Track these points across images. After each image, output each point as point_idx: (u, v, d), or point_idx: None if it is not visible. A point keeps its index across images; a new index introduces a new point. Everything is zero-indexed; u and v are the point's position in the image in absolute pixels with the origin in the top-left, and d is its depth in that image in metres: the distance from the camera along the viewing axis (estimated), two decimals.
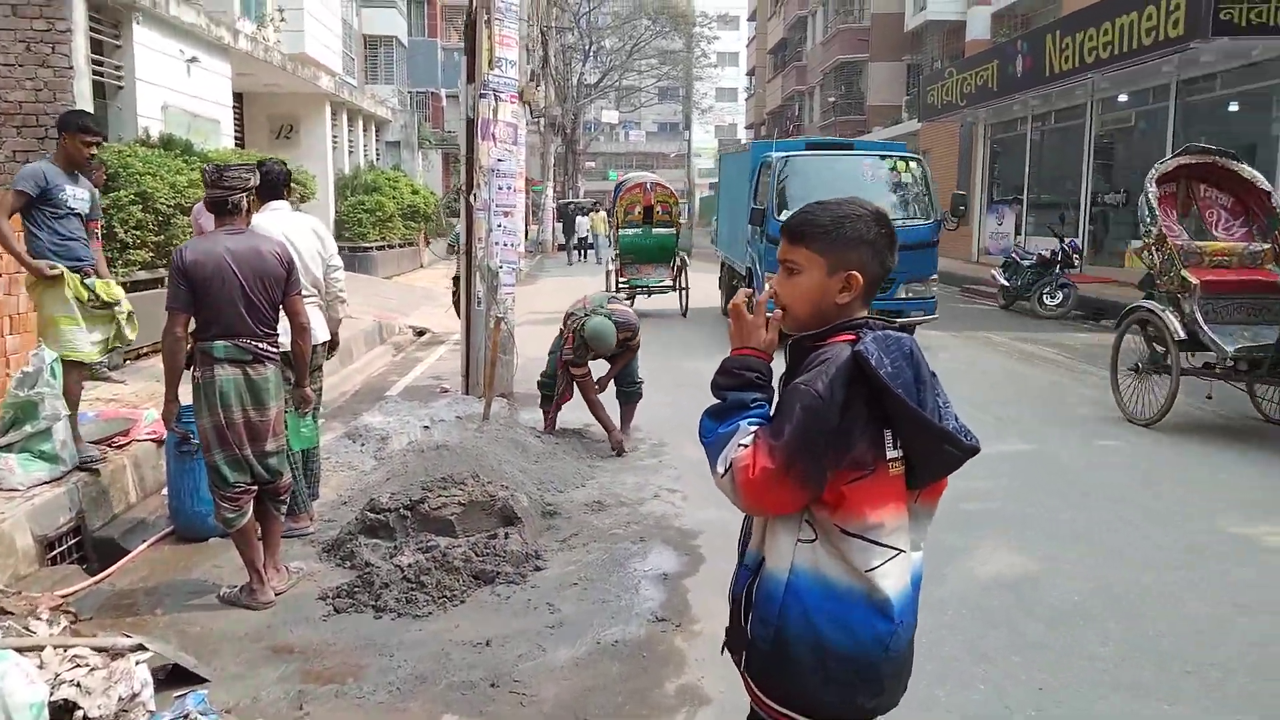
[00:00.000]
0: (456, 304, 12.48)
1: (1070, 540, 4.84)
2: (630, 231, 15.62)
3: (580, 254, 29.85)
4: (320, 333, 5.06)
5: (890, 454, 1.71)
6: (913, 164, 11.58)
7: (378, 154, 23.25)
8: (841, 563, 1.72)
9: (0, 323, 6.34)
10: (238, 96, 17.12)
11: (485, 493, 4.80)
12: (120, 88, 10.35)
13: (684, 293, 14.88)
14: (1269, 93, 13.60)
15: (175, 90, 11.36)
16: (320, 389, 5.26)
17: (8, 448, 4.83)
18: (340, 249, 16.40)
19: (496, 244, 7.61)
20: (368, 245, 18.23)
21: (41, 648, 3.19)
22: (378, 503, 4.78)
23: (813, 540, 1.73)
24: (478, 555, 4.42)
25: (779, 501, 1.71)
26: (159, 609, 4.14)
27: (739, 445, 1.71)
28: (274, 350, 4.12)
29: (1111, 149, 18.69)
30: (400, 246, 19.68)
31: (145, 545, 4.91)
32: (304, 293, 4.90)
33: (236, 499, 4.07)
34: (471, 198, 7.76)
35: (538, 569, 4.45)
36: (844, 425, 1.66)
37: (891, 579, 1.72)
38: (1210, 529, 4.99)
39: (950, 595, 4.14)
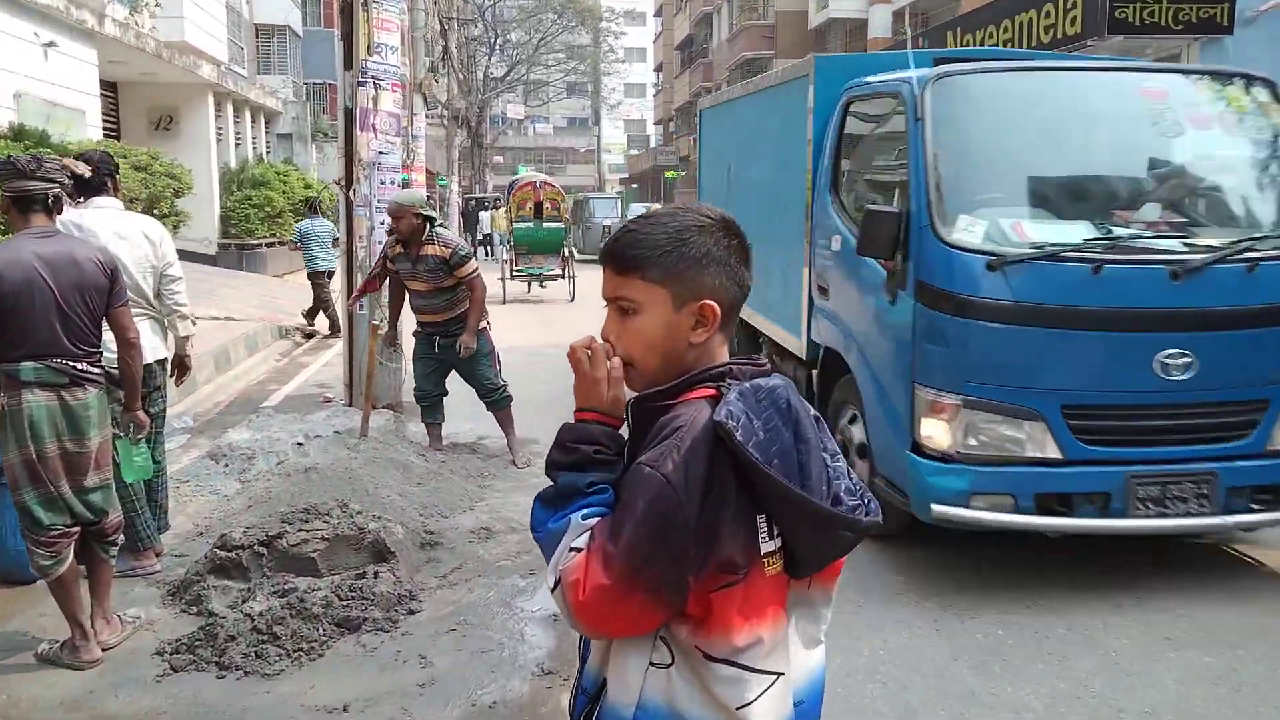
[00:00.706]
0: (311, 311, 12.38)
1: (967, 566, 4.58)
2: (523, 225, 17.23)
3: (487, 250, 28.41)
4: (154, 350, 4.46)
5: (766, 547, 1.31)
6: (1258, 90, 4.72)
7: (268, 147, 22.19)
8: (705, 696, 1.30)
9: None
10: (111, 85, 16.04)
11: (354, 525, 4.29)
12: None
13: (572, 280, 16.63)
14: None
15: (31, 77, 10.42)
16: (162, 411, 4.66)
17: None
18: (227, 246, 15.49)
19: (379, 243, 7.06)
20: (256, 242, 17.30)
21: None
22: (229, 538, 4.22)
23: (668, 665, 1.32)
24: (341, 599, 3.91)
25: (624, 625, 1.30)
26: None
27: (569, 550, 1.30)
28: (95, 371, 3.54)
29: None
30: (294, 244, 18.77)
31: None
32: (134, 304, 4.32)
33: (53, 544, 3.49)
34: (350, 193, 7.18)
35: (411, 612, 3.96)
36: (706, 519, 1.25)
37: (770, 715, 1.31)
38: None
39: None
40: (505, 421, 6.39)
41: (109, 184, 4.33)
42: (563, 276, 16.80)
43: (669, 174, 51.66)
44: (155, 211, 11.13)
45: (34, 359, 3.38)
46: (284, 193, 17.92)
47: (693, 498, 1.24)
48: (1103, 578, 4.32)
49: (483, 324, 6.20)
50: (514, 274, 16.68)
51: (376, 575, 4.08)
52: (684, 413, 1.31)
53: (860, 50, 27.07)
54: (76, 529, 3.57)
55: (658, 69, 61.56)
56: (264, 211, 17.35)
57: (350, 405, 7.25)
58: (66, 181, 3.56)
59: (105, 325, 3.61)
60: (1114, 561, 4.49)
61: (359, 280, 7.20)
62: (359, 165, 7.09)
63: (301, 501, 4.86)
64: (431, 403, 6.36)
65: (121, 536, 3.85)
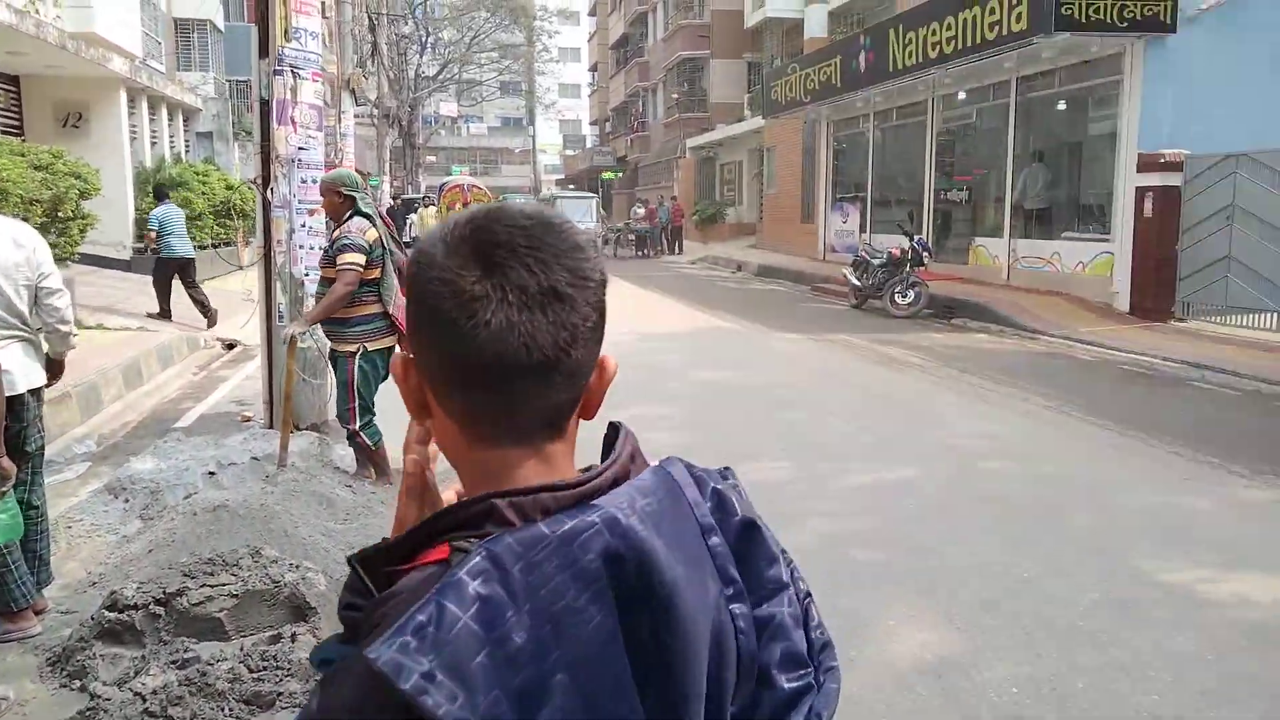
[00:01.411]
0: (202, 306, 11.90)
1: (999, 597, 4.17)
2: None
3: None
4: (26, 377, 3.83)
5: None
6: None
7: (187, 146, 21.12)
8: None
9: None
10: (12, 79, 14.99)
11: (267, 577, 3.71)
12: None
13: None
14: (1102, 90, 13.78)
15: None
16: (40, 448, 4.02)
17: None
18: (141, 251, 14.67)
19: (300, 247, 6.45)
20: None
21: None
22: (121, 597, 3.61)
23: None
24: (251, 670, 3.33)
25: None
26: None
27: None
28: None
29: (952, 146, 18.85)
30: (214, 247, 17.81)
31: None
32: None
33: None
34: (268, 193, 6.55)
35: None
36: None
37: None
38: (1134, 573, 4.44)
39: (865, 688, 3.36)
40: (367, 459, 5.62)
41: None
42: None
43: (606, 174, 51.19)
44: (59, 214, 10.29)
45: None
46: (204, 194, 16.98)
47: None
48: None
49: (353, 346, 5.30)
50: None
51: (294, 638, 3.51)
52: (389, 606, 0.74)
53: (796, 50, 26.92)
54: None
55: (593, 68, 61.03)
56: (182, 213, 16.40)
57: (270, 427, 6.61)
58: None
59: None
60: None
61: (278, 287, 6.58)
62: (277, 162, 6.46)
63: (208, 547, 4.27)
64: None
65: None
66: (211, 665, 3.31)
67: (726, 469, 0.88)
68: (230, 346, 11.64)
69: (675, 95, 38.85)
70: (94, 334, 10.58)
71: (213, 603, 3.58)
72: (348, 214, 5.33)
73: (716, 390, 8.61)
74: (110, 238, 15.52)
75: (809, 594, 0.88)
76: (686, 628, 0.74)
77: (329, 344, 5.48)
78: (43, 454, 4.05)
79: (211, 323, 12.25)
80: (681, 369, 9.32)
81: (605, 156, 52.60)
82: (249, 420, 7.38)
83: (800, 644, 0.84)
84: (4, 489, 3.31)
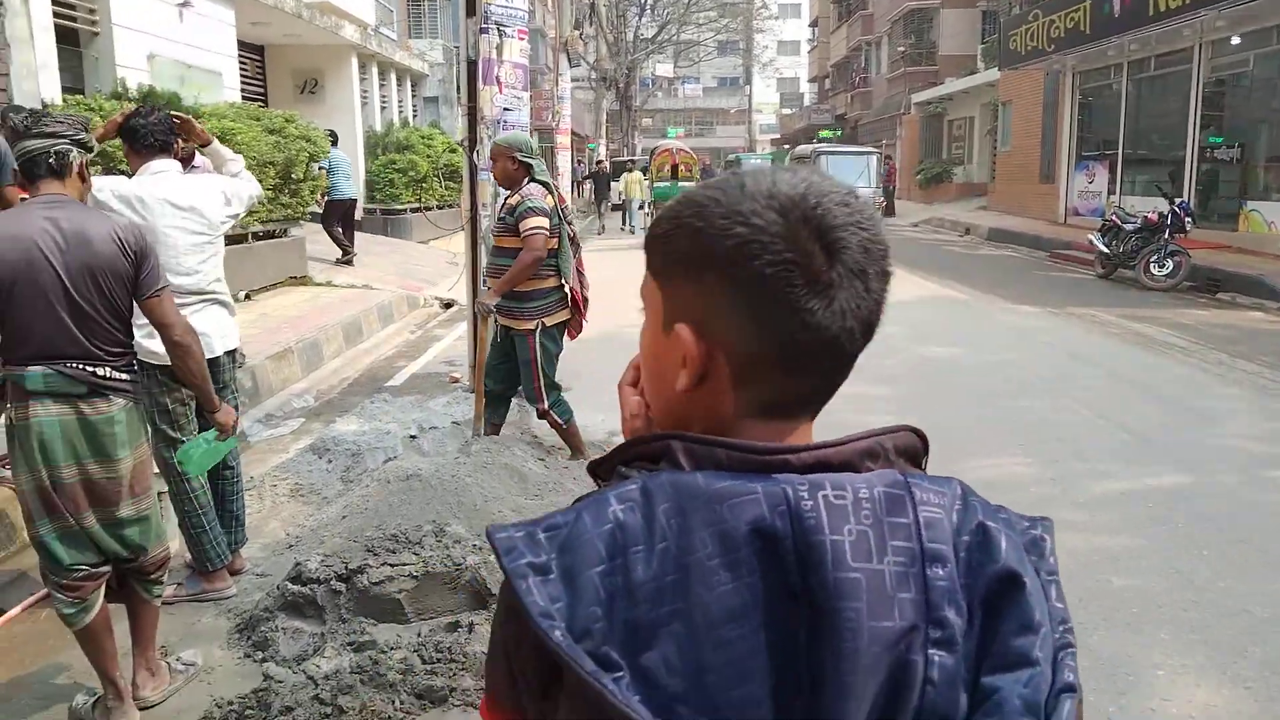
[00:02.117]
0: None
1: None
2: (661, 184, 21.92)
3: (624, 219, 23.98)
4: (223, 340, 3.79)
5: None
6: None
7: (415, 110, 21.98)
8: None
9: None
10: (258, 49, 15.99)
11: (449, 559, 3.50)
12: (95, 34, 9.18)
13: None
14: None
15: (164, 38, 10.17)
16: (235, 409, 3.99)
17: None
18: (372, 211, 15.38)
19: None
20: (400, 208, 17.03)
21: None
22: (305, 570, 3.51)
23: None
24: (425, 661, 3.13)
25: None
26: None
27: None
28: (123, 379, 2.83)
29: (1221, 98, 16.61)
30: (439, 208, 18.47)
31: (18, 609, 3.74)
32: (190, 293, 3.65)
33: (77, 588, 2.83)
34: (474, 155, 6.42)
35: None
36: (516, 664, 0.76)
37: None
38: None
39: None
40: (563, 438, 5.33)
41: (172, 145, 3.65)
42: None
43: (823, 133, 49.57)
44: (292, 175, 10.79)
45: (42, 361, 2.70)
46: (428, 157, 17.58)
47: (508, 629, 0.76)
48: None
49: (531, 324, 4.99)
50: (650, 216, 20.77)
51: (471, 628, 3.28)
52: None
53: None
54: (106, 569, 2.91)
55: (813, 24, 59.13)
56: (408, 176, 17.04)
57: (473, 391, 6.55)
58: (85, 137, 2.85)
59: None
60: None
61: (483, 254, 6.46)
62: (482, 124, 6.32)
63: (398, 517, 4.14)
64: (491, 398, 5.29)
65: (167, 575, 3.19)
66: (385, 653, 3.13)
67: (1042, 519, 0.81)
68: (448, 305, 11.92)
69: (901, 48, 36.86)
70: (321, 291, 11.08)
71: (393, 583, 3.41)
72: (524, 181, 5.00)
73: (942, 369, 7.84)
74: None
75: (1069, 689, 0.71)
76: (847, 643, 0.69)
77: (503, 322, 5.11)
78: (236, 420, 4.03)
79: (348, 261, 12.91)
80: (903, 344, 8.58)
81: (823, 115, 50.92)
82: (456, 381, 7.40)
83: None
84: (226, 436, 3.25)
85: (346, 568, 3.47)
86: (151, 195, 3.53)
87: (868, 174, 22.42)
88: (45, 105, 7.51)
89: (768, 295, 0.75)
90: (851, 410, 6.21)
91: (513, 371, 5.16)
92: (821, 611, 0.69)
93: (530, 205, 4.83)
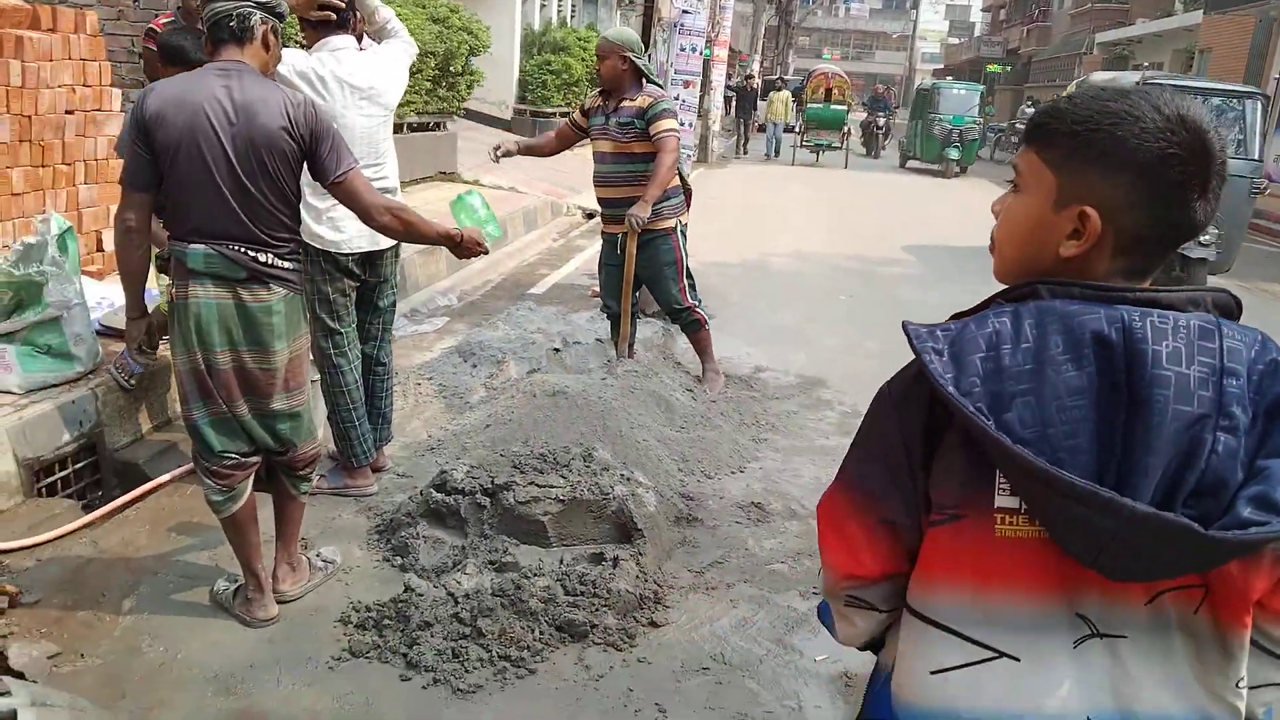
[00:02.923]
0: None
1: None
2: (814, 106, 22.26)
3: (770, 148, 22.55)
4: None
5: (1001, 502, 1.04)
6: None
7: (573, 11, 21.58)
8: (900, 648, 1.14)
9: (73, 169, 5.29)
10: None
11: (596, 487, 3.33)
12: None
13: (846, 152, 21.65)
14: None
15: None
16: (392, 305, 3.88)
17: (8, 336, 3.74)
18: (522, 113, 15.08)
19: None
20: (550, 110, 16.81)
21: None
22: (450, 479, 3.40)
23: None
24: (568, 593, 2.98)
25: (847, 545, 1.16)
26: (121, 606, 2.94)
27: None
28: (285, 266, 2.70)
29: None
30: None
31: (166, 478, 3.78)
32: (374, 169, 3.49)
33: (226, 475, 2.77)
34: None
35: (654, 624, 2.98)
36: (910, 436, 1.10)
37: (976, 697, 1.05)
38: None
39: None
40: (699, 345, 5.18)
41: (349, 20, 3.46)
42: (840, 148, 21.56)
43: (991, 67, 46.75)
44: (450, 68, 10.66)
45: (204, 240, 2.58)
46: (583, 60, 17.24)
47: (902, 410, 1.11)
48: None
49: (672, 222, 4.87)
50: (803, 144, 21.83)
51: (616, 563, 3.11)
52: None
53: None
54: (256, 459, 2.84)
55: None
56: (561, 79, 16.78)
57: None
58: (272, 2, 2.67)
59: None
60: None
61: None
62: (658, 25, 5.97)
63: (543, 433, 4.01)
64: (613, 315, 5.18)
65: (321, 473, 3.12)
66: (528, 579, 3.00)
67: None
68: (590, 216, 11.72)
69: None
70: (470, 189, 11.04)
71: (538, 504, 3.27)
72: (638, 82, 4.70)
73: None
74: (495, 96, 16.24)
75: None
76: (1155, 418, 0.97)
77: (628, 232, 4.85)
78: (394, 311, 3.92)
79: None
80: None
81: (993, 48, 47.96)
82: (598, 295, 7.22)
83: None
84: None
85: (493, 482, 3.34)
86: (332, 74, 3.37)
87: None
88: None
89: (1173, 197, 1.03)
90: None
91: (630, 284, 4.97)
92: (1138, 399, 0.97)
93: (664, 107, 4.67)
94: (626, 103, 4.68)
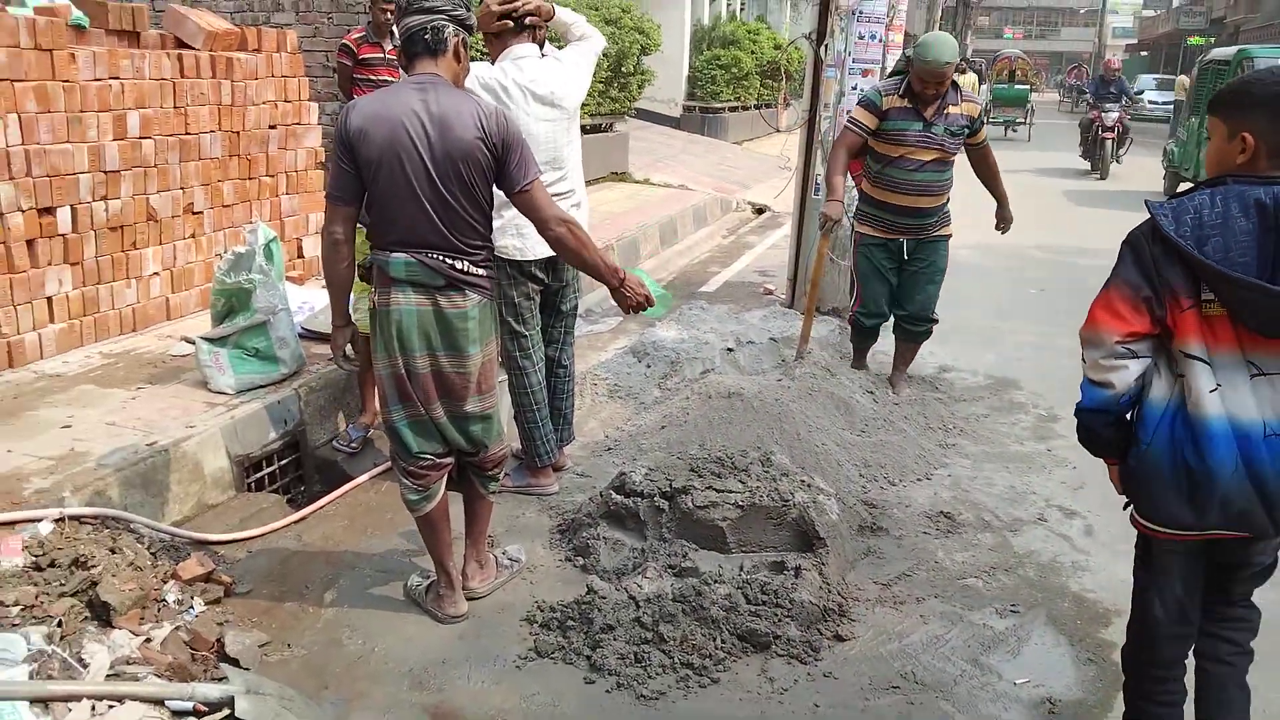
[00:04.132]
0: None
1: None
2: (1000, 85, 24.37)
3: None
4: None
5: (1206, 295, 1.91)
6: None
7: (743, 4, 21.41)
8: (1165, 371, 2.03)
9: (276, 181, 5.65)
10: None
11: (776, 493, 3.25)
12: None
13: (1030, 126, 23.36)
14: None
15: None
16: (574, 308, 3.91)
17: (221, 341, 4.02)
18: (691, 109, 15.01)
19: (847, 112, 5.77)
20: (719, 106, 16.74)
21: (76, 698, 2.18)
22: (628, 480, 3.40)
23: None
24: (750, 602, 2.92)
25: (1120, 316, 1.97)
26: (324, 598, 3.09)
27: None
28: (480, 274, 2.76)
29: None
30: (757, 108, 18.01)
31: (364, 477, 3.97)
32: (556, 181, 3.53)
33: (422, 475, 2.86)
34: (821, 50, 5.93)
35: (839, 638, 2.87)
36: (1155, 260, 1.94)
37: (1217, 406, 1.93)
38: None
39: None
40: (913, 353, 4.99)
41: (531, 27, 3.51)
42: (1025, 124, 23.30)
43: (1193, 40, 43.22)
44: (623, 68, 10.77)
45: (405, 249, 2.67)
46: (753, 53, 17.08)
47: (1149, 243, 1.96)
48: None
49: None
50: (989, 120, 23.42)
51: (798, 573, 3.02)
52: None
53: None
54: (449, 460, 2.92)
55: None
56: (730, 73, 16.67)
57: (790, 306, 6.24)
58: (465, 14, 2.73)
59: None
60: None
61: (818, 155, 6.02)
62: (835, 14, 5.80)
63: (719, 435, 3.97)
64: (877, 326, 4.95)
65: (505, 471, 3.18)
66: (709, 585, 2.95)
67: None
68: (759, 211, 11.60)
69: None
70: (640, 188, 11.12)
71: (716, 509, 3.22)
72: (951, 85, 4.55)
73: None
74: (664, 94, 16.29)
75: None
76: None
77: (933, 232, 4.72)
78: (575, 314, 3.96)
79: None
80: None
81: (1196, 18, 44.29)
82: (770, 293, 7.12)
83: None
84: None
85: (671, 485, 3.32)
86: (515, 82, 3.42)
87: None
88: None
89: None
90: None
91: (901, 290, 4.81)
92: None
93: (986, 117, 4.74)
94: (952, 109, 4.54)
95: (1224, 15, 40.48)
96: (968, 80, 21.95)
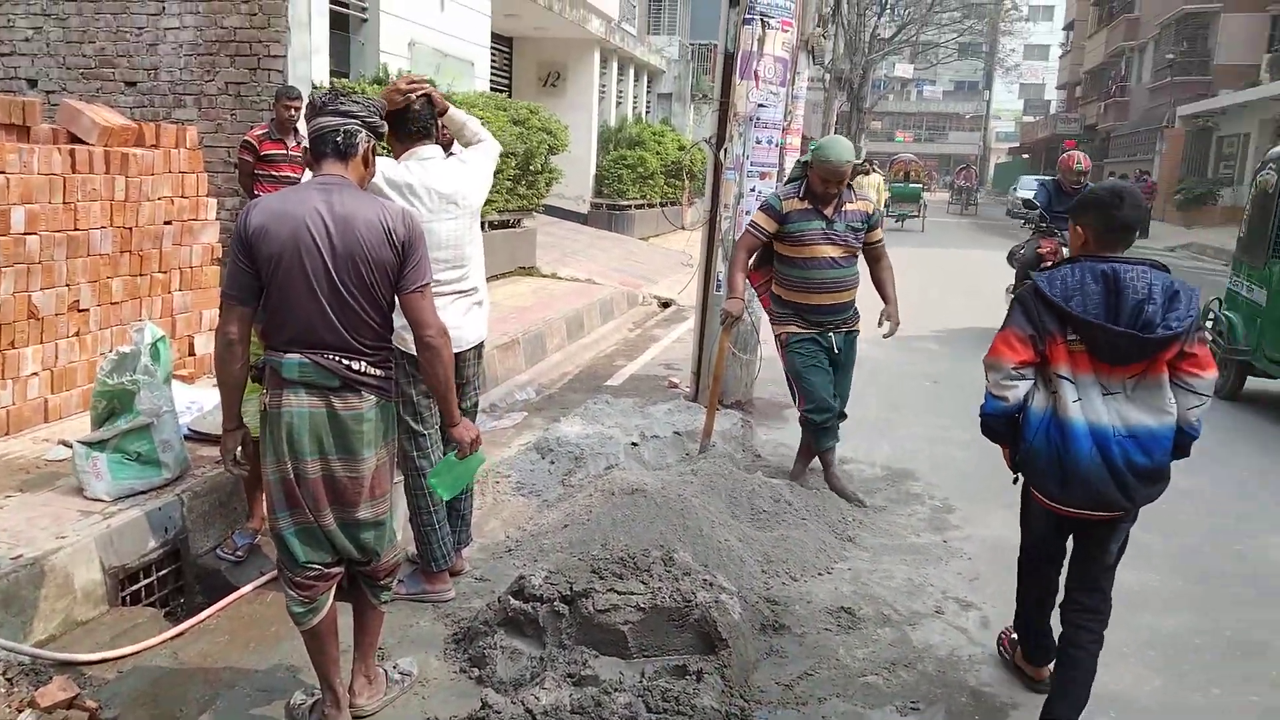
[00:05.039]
0: None
1: None
2: (897, 185, 27.25)
3: None
4: (476, 332, 3.68)
5: (1070, 337, 2.70)
6: None
7: (648, 106, 22.12)
8: (1044, 390, 2.82)
9: (169, 277, 5.50)
10: (507, 41, 16.47)
11: (678, 593, 3.21)
12: (364, 20, 9.59)
13: (923, 219, 26.98)
14: None
15: (425, 26, 10.53)
16: (474, 406, 3.87)
17: (100, 445, 3.83)
18: (599, 206, 15.34)
19: (747, 213, 5.95)
20: (626, 203, 17.11)
21: None
22: (528, 585, 3.32)
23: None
24: (650, 710, 2.85)
25: (1015, 350, 2.76)
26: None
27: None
28: (377, 375, 2.71)
29: None
30: (662, 205, 18.46)
31: (248, 588, 3.78)
32: (448, 284, 3.53)
33: (309, 586, 2.74)
34: (720, 153, 6.13)
35: None
36: (1035, 312, 2.74)
37: (1079, 413, 2.72)
38: None
39: None
40: (833, 453, 4.98)
41: (435, 129, 3.54)
42: (919, 218, 26.86)
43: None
44: (530, 167, 10.94)
45: (299, 349, 2.61)
46: (657, 153, 17.58)
47: (1031, 301, 2.76)
48: None
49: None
50: (889, 214, 24.55)
51: (700, 677, 2.97)
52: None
53: None
54: (338, 570, 2.80)
55: (1068, 26, 55.30)
56: (636, 172, 17.10)
57: (695, 400, 6.29)
58: (376, 121, 2.75)
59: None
60: None
61: (719, 253, 6.17)
62: (734, 120, 6.02)
63: (622, 533, 3.92)
64: (832, 422, 4.85)
65: (399, 578, 3.07)
66: (608, 695, 2.87)
67: (1193, 290, 2.73)
68: (665, 305, 11.78)
69: (1170, 55, 33.71)
70: (547, 282, 11.19)
71: (618, 612, 3.16)
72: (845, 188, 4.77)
73: (1231, 414, 6.85)
74: (573, 191, 16.61)
75: (1199, 327, 2.77)
76: (1125, 301, 2.65)
77: (846, 330, 4.86)
78: (476, 412, 3.91)
79: None
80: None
81: (1070, 124, 47.51)
82: (675, 386, 7.17)
83: (1173, 323, 2.63)
84: (466, 454, 3.03)
85: (571, 589, 3.25)
86: (420, 182, 3.43)
87: None
88: (315, 87, 7.87)
89: (1107, 220, 2.77)
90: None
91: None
92: (1120, 293, 2.66)
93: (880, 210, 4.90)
94: (849, 206, 4.73)
95: (1095, 123, 43.50)
96: (873, 180, 22.56)
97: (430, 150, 3.50)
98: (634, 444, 5.34)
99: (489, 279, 10.75)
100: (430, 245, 3.43)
